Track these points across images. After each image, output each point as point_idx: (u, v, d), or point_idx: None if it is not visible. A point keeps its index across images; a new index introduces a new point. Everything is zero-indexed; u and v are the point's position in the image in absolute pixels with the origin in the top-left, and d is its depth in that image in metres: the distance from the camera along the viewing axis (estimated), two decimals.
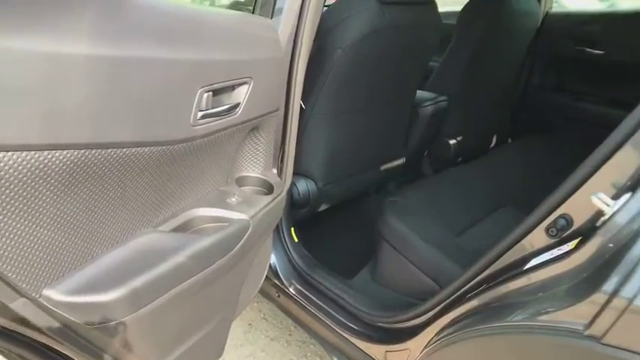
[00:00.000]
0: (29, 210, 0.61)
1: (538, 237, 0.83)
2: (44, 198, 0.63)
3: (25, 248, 0.62)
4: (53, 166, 0.61)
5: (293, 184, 1.50)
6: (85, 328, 0.71)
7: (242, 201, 1.04)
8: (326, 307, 1.36)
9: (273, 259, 1.46)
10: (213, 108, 0.87)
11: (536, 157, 1.91)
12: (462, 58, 1.91)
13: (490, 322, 0.82)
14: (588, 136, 2.17)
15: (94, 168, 0.68)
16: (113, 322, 0.73)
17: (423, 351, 1.04)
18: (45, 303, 0.67)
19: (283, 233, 1.47)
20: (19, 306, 0.64)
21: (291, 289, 1.44)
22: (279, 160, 1.25)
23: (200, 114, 0.84)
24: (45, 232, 0.65)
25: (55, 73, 0.58)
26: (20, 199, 0.59)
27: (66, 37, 0.58)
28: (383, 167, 1.81)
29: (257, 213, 1.02)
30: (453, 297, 1.01)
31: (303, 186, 1.53)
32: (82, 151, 0.64)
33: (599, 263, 0.68)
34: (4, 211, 0.58)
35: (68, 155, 0.62)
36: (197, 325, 1.00)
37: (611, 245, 0.67)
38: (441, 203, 1.47)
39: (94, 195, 0.71)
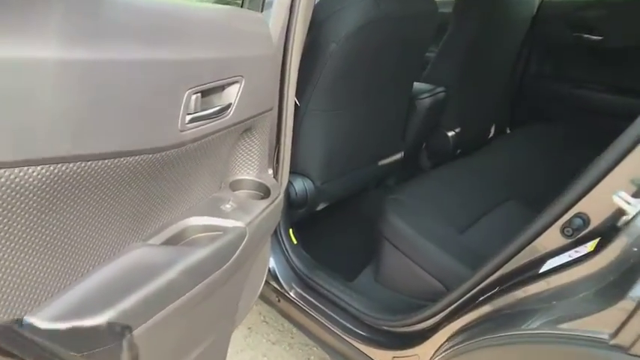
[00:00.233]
0: (3, 234, 0.55)
1: (552, 237, 0.78)
2: (20, 220, 0.57)
3: (1, 275, 0.57)
4: (27, 185, 0.55)
5: (290, 183, 1.45)
6: (72, 357, 0.66)
7: (237, 207, 0.98)
8: (328, 311, 1.31)
9: (272, 262, 1.42)
10: (202, 110, 0.81)
11: (537, 147, 1.87)
12: (459, 47, 1.86)
13: (504, 330, 0.78)
14: (588, 124, 2.15)
15: (74, 183, 0.62)
16: (102, 349, 0.67)
17: (432, 358, 0.99)
18: (27, 332, 0.62)
19: (281, 235, 1.42)
20: None
21: (291, 293, 1.39)
22: (275, 161, 1.20)
23: (188, 117, 0.78)
24: (23, 255, 0.59)
25: (23, 81, 0.52)
26: None
27: (32, 41, 0.52)
28: (381, 162, 1.77)
29: (254, 219, 0.96)
30: (462, 299, 0.97)
31: (301, 185, 1.48)
32: (59, 165, 0.58)
33: (625, 268, 0.63)
34: None
35: (44, 171, 0.56)
36: (194, 341, 0.95)
37: (636, 249, 0.62)
38: (443, 199, 1.43)
39: (76, 212, 0.66)
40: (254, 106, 0.98)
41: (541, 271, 0.77)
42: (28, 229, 0.59)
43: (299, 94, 1.21)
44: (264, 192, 1.09)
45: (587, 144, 1.95)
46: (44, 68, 0.54)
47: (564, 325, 0.68)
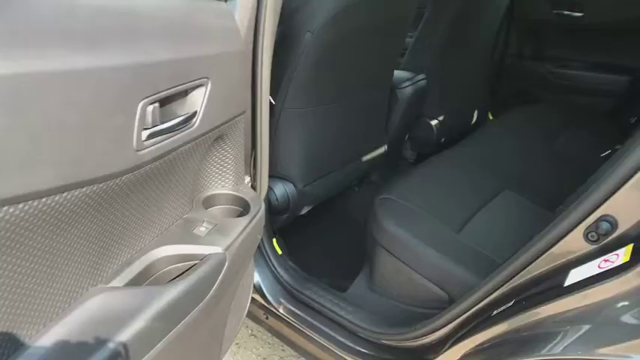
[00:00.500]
0: None
1: (575, 243, 0.70)
2: None
3: None
4: None
5: (270, 189, 1.33)
6: None
7: (213, 229, 0.86)
8: (323, 327, 1.21)
9: (256, 277, 1.30)
10: (162, 123, 0.68)
11: (524, 131, 1.80)
12: (438, 31, 1.77)
13: (526, 354, 0.68)
14: (573, 104, 2.10)
15: (3, 231, 0.49)
16: None
17: None
18: None
19: (265, 247, 1.31)
20: None
21: (280, 309, 1.28)
22: (252, 166, 1.08)
23: (146, 133, 0.65)
24: None
25: None
26: None
27: None
28: (365, 158, 1.66)
29: (233, 242, 0.84)
30: (472, 310, 0.88)
31: (281, 190, 1.37)
32: None
33: None
34: None
35: None
36: None
37: None
38: (435, 196, 1.34)
39: (12, 264, 0.52)
40: (224, 111, 0.86)
41: (566, 284, 0.67)
42: None
43: (273, 91, 1.09)
44: (243, 206, 0.97)
45: (574, 124, 1.92)
46: None
47: (603, 350, 0.59)
